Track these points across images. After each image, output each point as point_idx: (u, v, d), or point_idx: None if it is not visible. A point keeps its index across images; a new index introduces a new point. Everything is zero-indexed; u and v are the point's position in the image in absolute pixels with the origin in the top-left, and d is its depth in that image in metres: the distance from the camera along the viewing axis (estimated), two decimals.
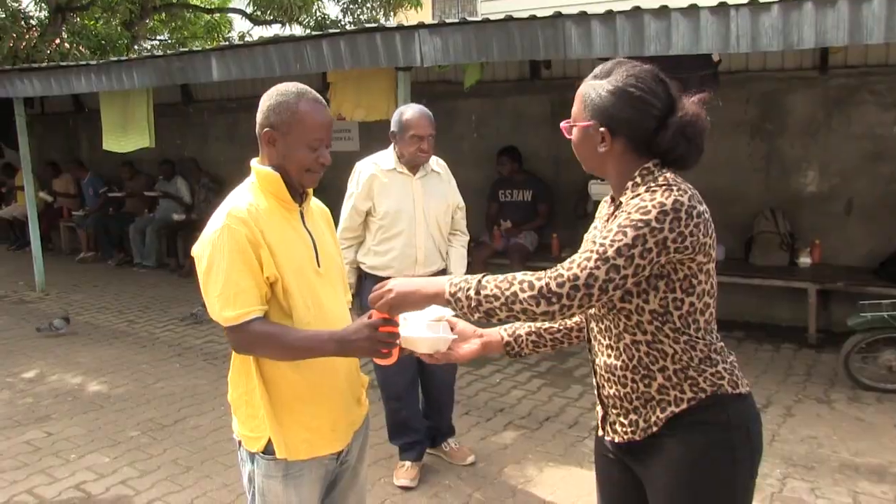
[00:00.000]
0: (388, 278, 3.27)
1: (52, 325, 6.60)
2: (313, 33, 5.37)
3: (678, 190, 1.64)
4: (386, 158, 3.59)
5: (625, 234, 1.58)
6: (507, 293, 1.61)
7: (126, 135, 7.42)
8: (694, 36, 4.08)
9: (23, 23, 11.39)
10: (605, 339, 1.78)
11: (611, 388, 1.79)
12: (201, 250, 1.95)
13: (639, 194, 1.66)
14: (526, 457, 4.01)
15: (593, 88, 1.73)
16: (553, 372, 5.34)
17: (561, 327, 1.98)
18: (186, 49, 7.40)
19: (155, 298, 7.86)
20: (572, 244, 6.75)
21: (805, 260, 5.92)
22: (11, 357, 6.02)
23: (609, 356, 1.77)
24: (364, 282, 3.68)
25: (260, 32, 14.09)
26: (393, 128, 3.54)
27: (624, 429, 1.79)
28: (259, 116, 2.09)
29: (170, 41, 14.77)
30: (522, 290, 1.61)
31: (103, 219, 10.20)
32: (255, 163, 2.14)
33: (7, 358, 6.00)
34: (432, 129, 3.51)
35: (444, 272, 3.71)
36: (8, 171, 9.91)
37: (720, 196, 6.37)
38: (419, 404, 3.88)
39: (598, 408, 1.90)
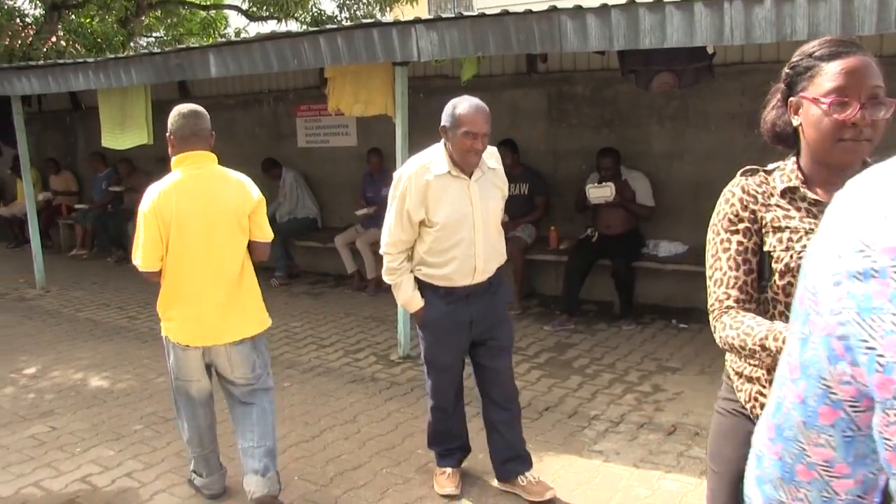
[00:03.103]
0: (449, 288, 3.27)
1: None
2: (311, 29, 5.40)
3: None
4: (437, 161, 3.20)
5: None
6: None
7: (124, 132, 7.45)
8: (688, 29, 4.11)
9: (18, 21, 11.39)
10: None
11: None
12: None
13: None
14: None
15: None
16: (551, 363, 5.38)
17: None
18: (184, 46, 7.42)
19: (155, 295, 7.83)
20: (571, 236, 6.80)
21: None
22: (14, 353, 6.06)
23: None
24: (421, 290, 3.37)
25: (256, 29, 14.08)
26: (444, 122, 3.18)
27: None
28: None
29: (165, 38, 14.77)
30: None
31: (102, 216, 10.22)
32: None
33: (10, 354, 6.05)
34: (488, 125, 3.15)
35: (498, 273, 3.45)
36: (17, 167, 9.94)
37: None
38: (464, 415, 3.69)
39: None
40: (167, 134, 3.29)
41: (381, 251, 3.39)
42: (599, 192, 6.14)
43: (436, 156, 3.23)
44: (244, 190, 3.31)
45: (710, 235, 1.87)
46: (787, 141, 1.75)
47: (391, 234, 3.30)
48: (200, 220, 3.20)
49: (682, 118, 6.55)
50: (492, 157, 3.34)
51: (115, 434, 4.40)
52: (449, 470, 3.63)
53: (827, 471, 0.92)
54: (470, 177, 3.23)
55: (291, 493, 3.60)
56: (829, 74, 1.62)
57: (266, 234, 3.41)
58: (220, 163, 3.40)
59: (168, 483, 3.76)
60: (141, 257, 3.25)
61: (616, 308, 6.47)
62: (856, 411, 0.86)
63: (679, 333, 5.95)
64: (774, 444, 0.98)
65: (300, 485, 3.69)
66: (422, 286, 3.36)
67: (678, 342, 5.74)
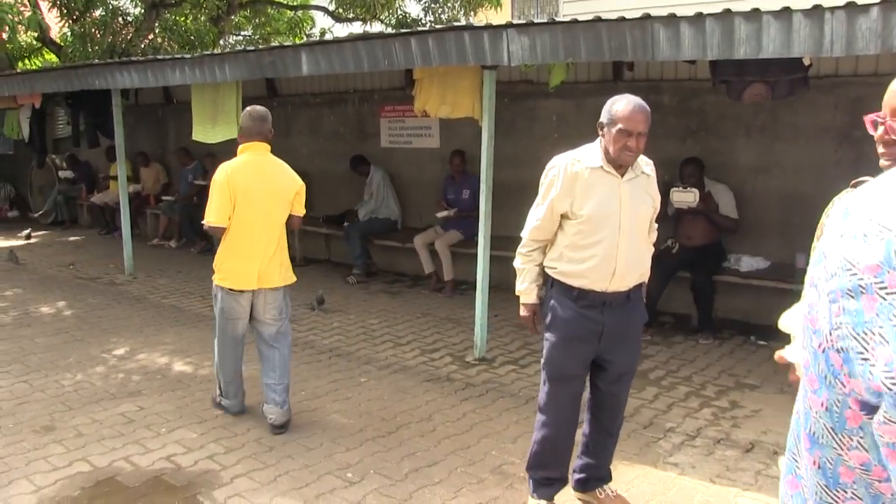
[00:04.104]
0: (583, 290, 3.11)
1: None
2: (402, 31, 5.48)
3: None
4: (591, 155, 3.13)
5: None
6: None
7: (215, 126, 7.68)
8: (786, 39, 4.02)
9: (120, 19, 11.90)
10: None
11: None
12: None
13: None
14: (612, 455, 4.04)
15: None
16: None
17: None
18: (277, 44, 7.62)
19: None
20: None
21: None
22: (105, 335, 6.33)
23: None
24: (550, 289, 3.26)
25: (341, 29, 14.34)
26: (601, 118, 3.11)
27: None
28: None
29: (253, 37, 15.16)
30: None
31: (188, 207, 10.56)
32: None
33: (101, 335, 6.32)
34: (645, 125, 3.03)
35: (638, 289, 3.29)
36: (111, 156, 10.46)
37: (806, 202, 6.24)
38: (574, 440, 3.45)
39: None
40: (240, 126, 4.40)
41: (522, 233, 3.31)
42: (683, 197, 6.04)
43: (590, 149, 3.16)
44: (292, 175, 4.44)
45: (814, 244, 1.83)
46: None
47: (534, 219, 3.23)
48: (259, 193, 4.23)
49: (770, 131, 6.41)
50: (648, 164, 3.26)
51: (198, 417, 4.55)
52: (543, 502, 3.42)
53: (866, 473, 0.95)
54: (622, 176, 3.12)
55: (367, 486, 3.67)
56: None
57: (302, 210, 4.47)
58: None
59: (248, 467, 3.87)
60: (214, 214, 4.20)
61: (694, 321, 6.37)
62: (868, 417, 0.92)
63: (758, 350, 5.82)
64: (812, 453, 1.02)
65: (376, 478, 3.75)
66: (554, 286, 3.24)
67: (757, 359, 5.61)
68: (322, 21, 15.64)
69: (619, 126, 2.99)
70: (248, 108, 4.40)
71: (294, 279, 4.47)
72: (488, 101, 5.33)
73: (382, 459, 3.97)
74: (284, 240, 4.40)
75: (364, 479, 3.74)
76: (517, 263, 3.34)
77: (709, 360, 5.64)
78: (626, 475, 3.78)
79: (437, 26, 5.94)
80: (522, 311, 3.36)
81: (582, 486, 3.53)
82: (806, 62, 5.14)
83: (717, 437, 4.25)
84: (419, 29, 5.46)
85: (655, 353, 5.80)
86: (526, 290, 3.31)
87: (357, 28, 13.77)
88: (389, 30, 12.02)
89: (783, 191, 6.35)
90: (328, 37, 11.18)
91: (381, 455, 4.02)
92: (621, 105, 3.03)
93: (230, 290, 4.27)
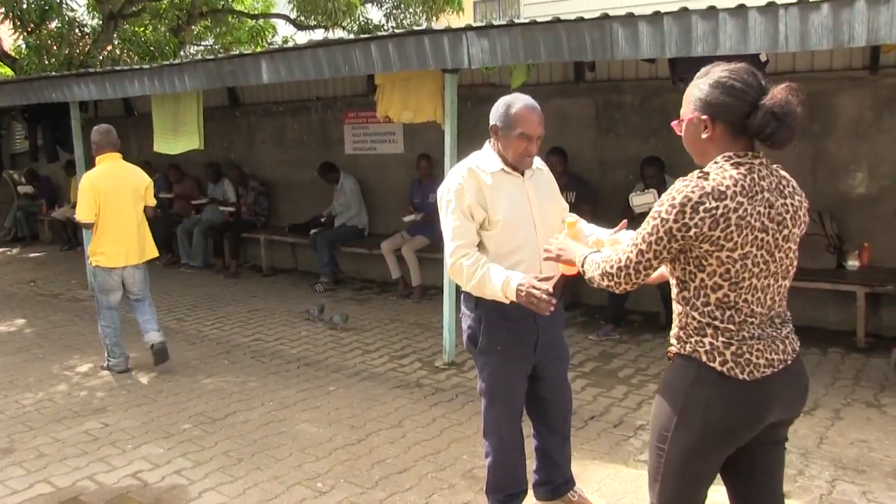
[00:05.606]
0: (512, 303, 2.91)
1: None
2: (362, 36, 5.45)
3: (697, 185, 1.95)
4: (487, 160, 2.99)
5: (648, 223, 2.03)
6: (590, 273, 2.27)
7: (177, 137, 7.60)
8: (742, 36, 4.08)
9: (77, 31, 11.72)
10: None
11: None
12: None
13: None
14: (571, 455, 4.02)
15: (696, 86, 2.06)
16: (597, 372, 5.34)
17: None
18: (236, 53, 7.55)
19: (202, 298, 8.03)
20: None
21: (853, 263, 5.85)
22: (67, 352, 6.22)
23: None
24: (478, 310, 3.04)
25: (303, 37, 14.27)
26: (495, 121, 2.96)
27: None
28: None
29: (214, 47, 15.02)
30: (594, 271, 2.24)
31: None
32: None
33: (63, 352, 6.21)
34: (542, 127, 2.93)
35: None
36: (71, 170, 10.27)
37: None
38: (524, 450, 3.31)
39: None
40: (92, 142, 5.52)
41: (451, 262, 2.97)
42: (643, 199, 6.09)
43: (484, 155, 3.03)
44: (142, 175, 5.67)
45: None
46: None
47: (456, 236, 2.95)
48: (118, 192, 5.43)
49: None
50: (537, 159, 3.14)
51: (164, 432, 4.47)
52: None
53: None
54: (523, 175, 3.02)
55: (337, 495, 3.63)
56: None
57: (153, 202, 5.75)
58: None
59: (217, 481, 3.81)
60: (84, 213, 5.37)
61: (662, 319, 6.40)
62: None
63: None
64: None
65: (346, 487, 3.70)
66: (481, 305, 3.01)
67: None
68: (284, 29, 15.59)
69: (520, 130, 2.88)
70: (95, 126, 5.53)
71: (156, 253, 5.85)
72: (450, 104, 5.32)
73: (352, 468, 3.92)
74: (145, 224, 5.63)
75: (334, 488, 3.70)
76: (466, 275, 2.93)
77: None
78: (596, 474, 3.77)
79: (398, 31, 5.92)
80: (525, 296, 2.74)
81: (551, 494, 3.41)
82: (762, 58, 5.19)
83: None
84: (379, 34, 5.44)
85: (624, 351, 5.82)
86: (504, 281, 2.81)
87: (319, 36, 13.71)
88: (351, 36, 12.00)
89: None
90: (295, 44, 11.12)
91: (350, 463, 3.98)
92: (518, 107, 2.91)
93: (105, 268, 5.42)
